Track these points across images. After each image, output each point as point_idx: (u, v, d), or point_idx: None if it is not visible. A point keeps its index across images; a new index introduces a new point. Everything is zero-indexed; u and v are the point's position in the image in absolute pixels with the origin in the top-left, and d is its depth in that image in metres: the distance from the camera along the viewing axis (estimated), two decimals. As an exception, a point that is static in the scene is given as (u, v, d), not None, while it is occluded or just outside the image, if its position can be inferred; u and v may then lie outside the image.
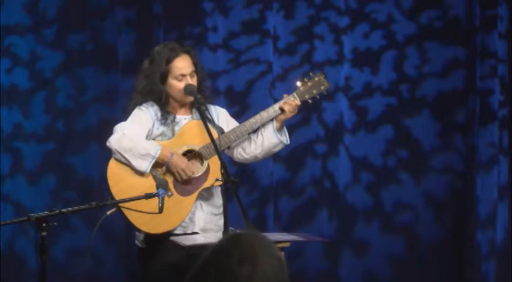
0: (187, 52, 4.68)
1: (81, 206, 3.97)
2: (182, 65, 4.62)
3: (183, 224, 4.60)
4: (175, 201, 4.55)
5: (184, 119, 4.68)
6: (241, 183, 5.23)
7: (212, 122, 4.61)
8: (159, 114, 4.64)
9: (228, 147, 4.76)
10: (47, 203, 5.80)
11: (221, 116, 4.78)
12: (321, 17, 6.13)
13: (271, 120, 4.69)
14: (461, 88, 6.11)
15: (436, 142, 6.14)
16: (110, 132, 4.60)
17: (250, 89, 6.11)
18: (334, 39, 6.13)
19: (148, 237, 4.58)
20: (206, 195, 4.65)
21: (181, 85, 4.60)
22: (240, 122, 4.76)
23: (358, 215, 6.13)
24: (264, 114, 4.70)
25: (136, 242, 4.67)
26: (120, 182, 4.53)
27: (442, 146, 6.13)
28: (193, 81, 4.63)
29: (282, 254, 4.36)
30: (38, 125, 5.97)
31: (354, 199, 6.13)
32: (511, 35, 6.06)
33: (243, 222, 4.15)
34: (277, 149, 4.79)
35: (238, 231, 4.00)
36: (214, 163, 4.48)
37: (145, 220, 4.42)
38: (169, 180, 4.57)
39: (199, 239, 4.41)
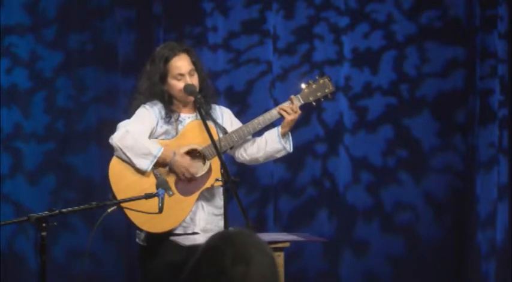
0: (186, 51, 4.64)
1: (81, 206, 3.96)
2: (180, 64, 4.59)
3: (184, 224, 4.59)
4: (176, 201, 4.54)
5: (189, 118, 4.66)
6: (241, 183, 5.22)
7: (215, 122, 4.61)
8: (163, 112, 4.61)
9: (231, 147, 4.75)
10: (47, 203, 5.79)
11: (225, 116, 4.76)
12: (321, 17, 6.13)
13: (278, 125, 4.69)
14: (461, 88, 6.11)
15: (436, 142, 6.13)
16: (109, 132, 4.59)
17: (250, 89, 6.11)
18: (334, 39, 6.13)
19: (150, 235, 4.57)
20: (208, 196, 4.65)
21: (180, 85, 4.58)
22: (240, 122, 4.76)
23: (358, 215, 6.13)
24: (267, 116, 4.69)
25: (137, 240, 4.66)
26: (122, 180, 4.52)
27: (442, 146, 6.13)
28: (192, 80, 4.59)
29: (282, 254, 4.37)
30: (38, 125, 5.96)
31: (353, 199, 6.13)
32: (511, 35, 6.06)
33: (243, 222, 4.14)
34: (279, 155, 4.77)
35: (227, 230, 4.00)
36: (216, 163, 4.45)
37: (146, 219, 4.41)
38: (171, 179, 4.57)
39: (200, 239, 4.40)
